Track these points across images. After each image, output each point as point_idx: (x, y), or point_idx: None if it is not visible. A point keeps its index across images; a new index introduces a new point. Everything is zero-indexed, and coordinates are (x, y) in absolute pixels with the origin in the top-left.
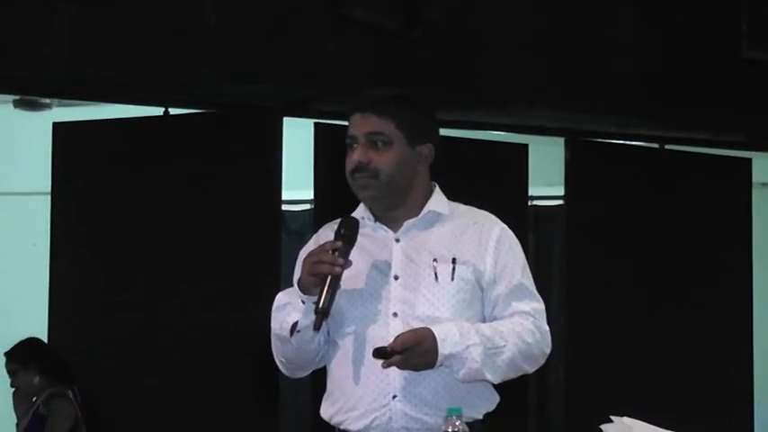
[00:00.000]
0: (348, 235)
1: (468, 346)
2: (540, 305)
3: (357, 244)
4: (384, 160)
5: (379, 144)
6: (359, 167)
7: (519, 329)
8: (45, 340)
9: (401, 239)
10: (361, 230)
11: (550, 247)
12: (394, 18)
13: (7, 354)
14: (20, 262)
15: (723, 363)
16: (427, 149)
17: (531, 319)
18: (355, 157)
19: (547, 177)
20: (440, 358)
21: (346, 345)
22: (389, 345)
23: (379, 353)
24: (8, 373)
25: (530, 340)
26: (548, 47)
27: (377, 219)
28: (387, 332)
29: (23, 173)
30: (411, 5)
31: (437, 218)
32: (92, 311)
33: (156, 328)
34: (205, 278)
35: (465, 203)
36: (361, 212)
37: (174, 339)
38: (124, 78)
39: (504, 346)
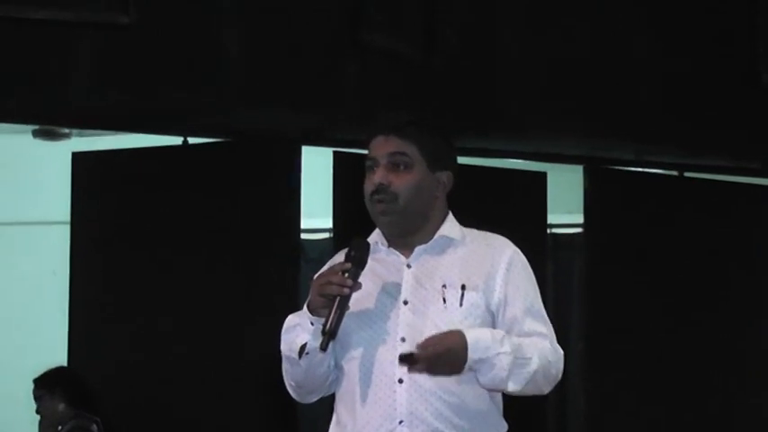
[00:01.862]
0: (358, 257)
1: (498, 353)
2: (551, 328)
3: (369, 268)
4: (404, 183)
5: (401, 167)
6: (379, 189)
7: (541, 346)
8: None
9: (412, 265)
10: (374, 255)
11: (569, 275)
12: (413, 45)
13: (35, 380)
14: (40, 290)
15: (748, 389)
16: (446, 177)
17: (548, 340)
18: (376, 178)
19: (565, 205)
20: (469, 363)
21: (353, 369)
22: (416, 351)
23: (405, 359)
24: (34, 399)
25: (550, 359)
26: (565, 74)
27: (390, 244)
28: (394, 356)
29: (43, 202)
30: (430, 32)
31: (449, 243)
32: (112, 339)
33: (176, 357)
34: (225, 307)
35: (484, 230)
36: (375, 237)
37: (195, 368)
38: (143, 108)
39: (531, 358)
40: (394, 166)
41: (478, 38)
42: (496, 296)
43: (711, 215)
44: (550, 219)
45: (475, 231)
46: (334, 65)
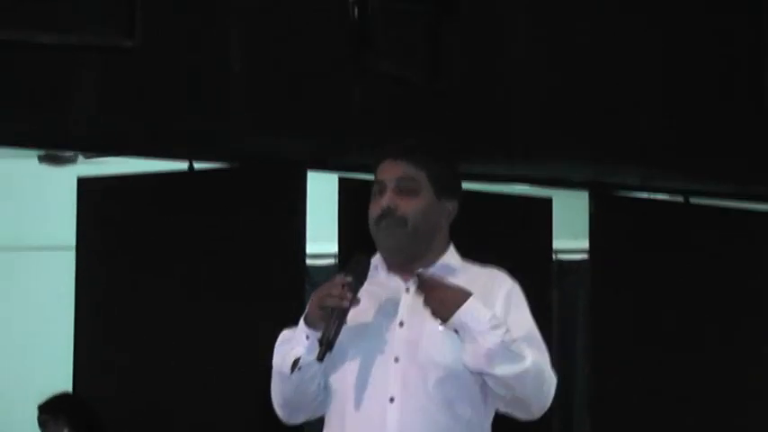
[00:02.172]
0: (358, 272)
1: (483, 331)
2: (548, 358)
3: (368, 290)
4: (412, 208)
5: (408, 191)
6: (386, 213)
7: (539, 359)
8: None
9: (411, 289)
10: (373, 279)
11: (575, 301)
12: (418, 70)
13: (40, 405)
14: (45, 315)
15: (757, 417)
16: (452, 206)
17: (546, 366)
18: (383, 202)
19: (571, 230)
20: (453, 320)
21: (344, 387)
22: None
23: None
24: (39, 424)
25: (546, 374)
26: (571, 99)
27: (390, 269)
28: (386, 375)
29: (48, 227)
30: (435, 57)
31: (449, 271)
32: (117, 364)
33: (181, 382)
34: (230, 333)
35: (489, 256)
36: (375, 262)
37: (200, 394)
38: (148, 133)
39: (525, 357)
40: (401, 190)
41: (483, 63)
42: None
43: (717, 241)
44: (556, 244)
45: (475, 264)
46: (339, 90)
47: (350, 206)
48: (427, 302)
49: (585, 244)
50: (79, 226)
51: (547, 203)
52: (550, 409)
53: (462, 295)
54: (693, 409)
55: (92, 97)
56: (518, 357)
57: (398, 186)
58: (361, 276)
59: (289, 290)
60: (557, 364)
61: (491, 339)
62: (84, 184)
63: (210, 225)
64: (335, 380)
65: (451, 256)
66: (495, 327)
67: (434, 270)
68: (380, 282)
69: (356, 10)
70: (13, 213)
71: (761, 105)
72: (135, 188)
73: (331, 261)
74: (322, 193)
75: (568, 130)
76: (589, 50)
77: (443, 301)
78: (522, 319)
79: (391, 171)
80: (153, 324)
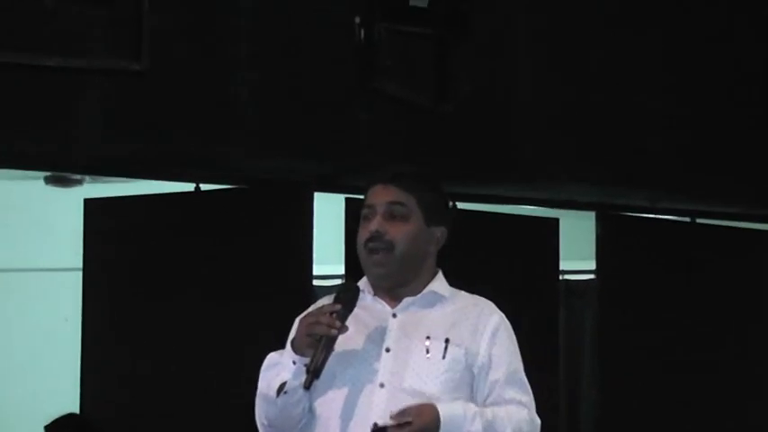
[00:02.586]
0: (348, 299)
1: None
2: (531, 398)
3: (355, 315)
4: (400, 233)
5: (398, 216)
6: (374, 237)
7: (517, 417)
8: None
9: (398, 315)
10: (360, 302)
11: (582, 322)
12: (425, 92)
13: (46, 427)
14: (52, 337)
15: None
16: (440, 233)
17: (527, 410)
18: (372, 226)
19: (578, 251)
20: None
21: (328, 412)
22: (390, 422)
23: (378, 429)
24: None
25: (526, 430)
26: (578, 121)
27: (376, 293)
28: (371, 402)
29: (55, 249)
30: (442, 80)
31: (438, 299)
32: (124, 386)
33: (189, 404)
34: (236, 353)
35: (496, 277)
36: (362, 285)
37: (208, 415)
38: (155, 154)
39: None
40: (391, 216)
41: (490, 85)
42: (480, 359)
43: (724, 262)
44: (563, 265)
45: (463, 292)
46: (346, 111)
47: (357, 227)
48: None
49: (592, 265)
50: (86, 247)
51: (554, 223)
52: (557, 429)
53: (432, 417)
54: (704, 428)
55: (99, 119)
56: None
57: (388, 211)
58: (350, 305)
59: (295, 311)
60: (563, 384)
61: None
62: (91, 206)
63: (217, 246)
64: (320, 404)
65: (439, 283)
66: (472, 419)
67: (422, 297)
68: (366, 305)
69: (363, 33)
70: (21, 235)
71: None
72: (142, 209)
73: (338, 282)
74: (329, 215)
75: (575, 151)
76: (597, 73)
77: None
78: (507, 358)
79: (381, 195)
80: (160, 345)
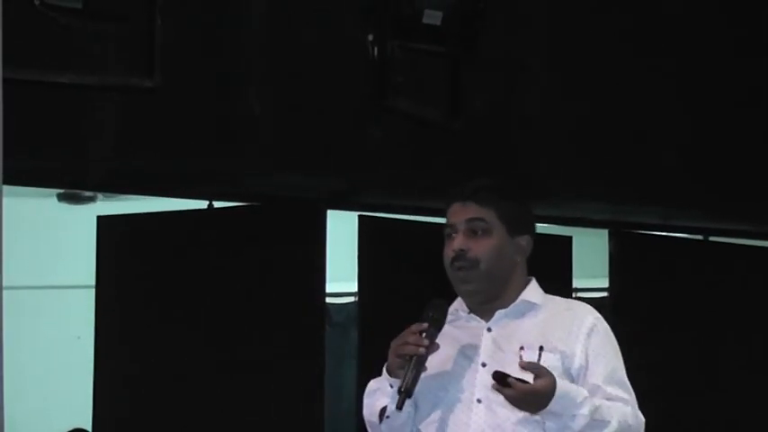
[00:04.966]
0: (436, 318)
1: (575, 415)
2: (633, 397)
3: (449, 334)
4: (483, 249)
5: (479, 232)
6: (458, 256)
7: (622, 411)
8: None
9: (492, 329)
10: (455, 323)
11: None
12: (437, 109)
13: None
14: (64, 355)
15: None
16: (525, 241)
17: (631, 407)
18: (455, 244)
19: (591, 269)
20: (545, 410)
21: (431, 431)
22: (512, 379)
23: (500, 379)
24: None
25: (631, 422)
26: (590, 138)
27: (471, 311)
28: (469, 418)
29: (68, 266)
30: (455, 96)
31: (530, 308)
32: (137, 404)
33: (203, 422)
34: (249, 371)
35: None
36: (456, 306)
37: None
38: (168, 171)
39: (609, 422)
40: (472, 232)
41: (502, 101)
42: (577, 362)
43: (737, 280)
44: (575, 283)
45: (557, 298)
46: (358, 129)
47: (370, 245)
48: (514, 405)
49: (605, 283)
50: (99, 264)
51: (567, 241)
52: None
53: (549, 387)
54: None
55: (112, 137)
56: (603, 424)
57: (469, 228)
58: (437, 322)
59: (309, 328)
60: None
61: (580, 421)
62: (104, 223)
63: (230, 263)
64: (424, 425)
65: (532, 292)
66: (581, 404)
67: (514, 307)
68: (462, 324)
69: (375, 50)
70: (33, 252)
71: None
72: (155, 226)
73: (351, 299)
74: (342, 232)
75: (588, 169)
76: (609, 90)
77: (532, 401)
78: (604, 359)
79: (460, 214)
80: (172, 363)
